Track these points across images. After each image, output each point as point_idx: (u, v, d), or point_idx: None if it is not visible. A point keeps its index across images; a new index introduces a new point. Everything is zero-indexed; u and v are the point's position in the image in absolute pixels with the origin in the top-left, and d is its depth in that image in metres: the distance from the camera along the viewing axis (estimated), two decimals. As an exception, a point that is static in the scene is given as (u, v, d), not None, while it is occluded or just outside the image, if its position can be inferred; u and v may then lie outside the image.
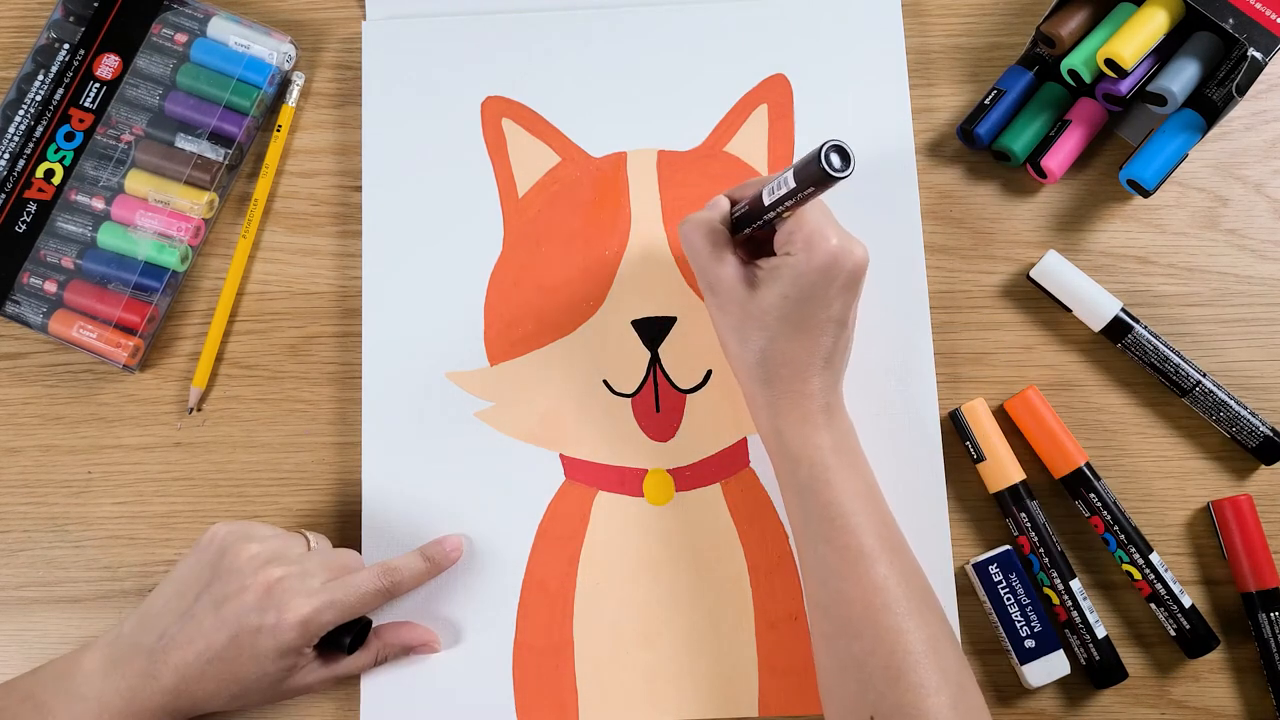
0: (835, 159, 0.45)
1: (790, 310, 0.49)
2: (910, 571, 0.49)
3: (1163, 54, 0.56)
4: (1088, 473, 0.56)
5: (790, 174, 0.48)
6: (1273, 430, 0.56)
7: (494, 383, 0.58)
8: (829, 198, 0.49)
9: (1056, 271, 0.57)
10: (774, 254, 0.51)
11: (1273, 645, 0.55)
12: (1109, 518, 0.55)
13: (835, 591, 0.48)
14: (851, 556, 0.48)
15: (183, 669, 0.49)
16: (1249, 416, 0.56)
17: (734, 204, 0.53)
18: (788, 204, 0.49)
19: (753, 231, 0.52)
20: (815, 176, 0.46)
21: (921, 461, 0.57)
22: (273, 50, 0.61)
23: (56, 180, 0.59)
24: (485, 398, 0.58)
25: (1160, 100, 0.56)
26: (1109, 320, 0.57)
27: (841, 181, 0.46)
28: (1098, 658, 0.54)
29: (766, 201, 0.49)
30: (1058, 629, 0.56)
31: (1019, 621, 0.54)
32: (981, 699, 0.48)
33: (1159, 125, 0.57)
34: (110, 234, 0.59)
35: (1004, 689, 0.56)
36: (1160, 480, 0.58)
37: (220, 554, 0.51)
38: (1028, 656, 0.54)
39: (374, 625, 0.54)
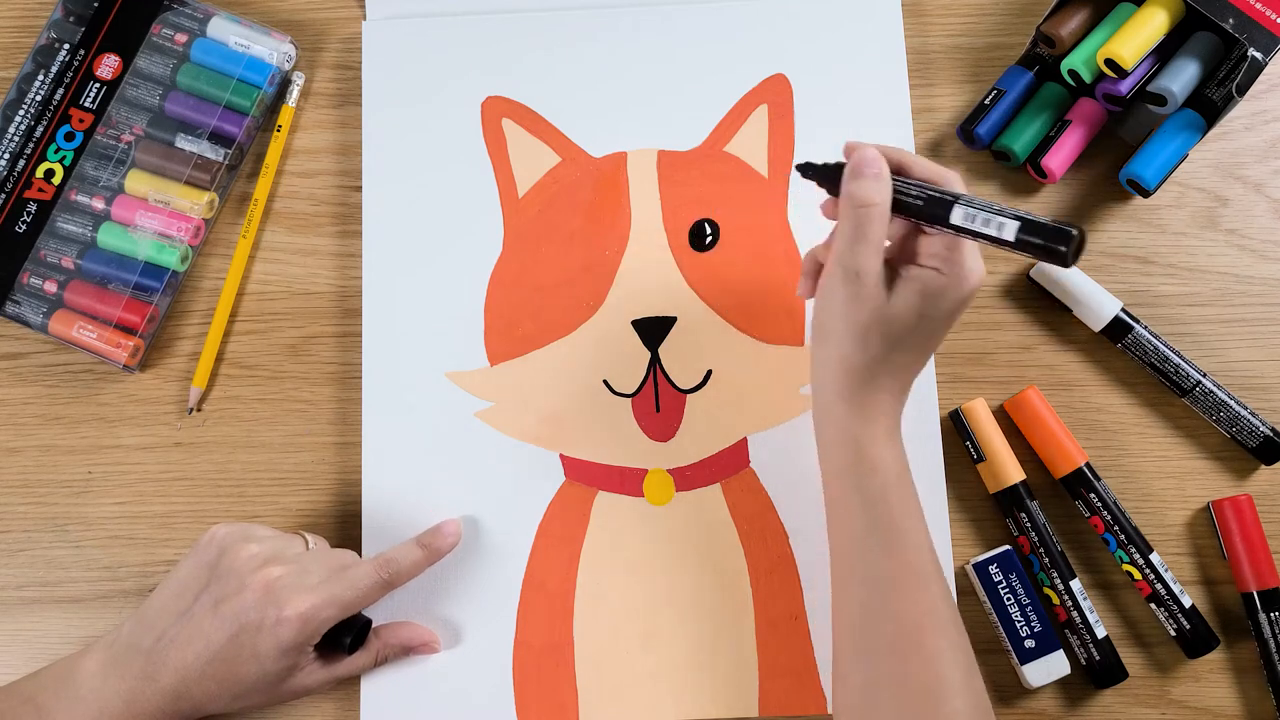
0: (1072, 257, 0.43)
1: (922, 328, 0.48)
2: (950, 597, 0.49)
3: (1163, 54, 0.56)
4: (1088, 473, 0.56)
5: (1013, 229, 0.44)
6: (1273, 430, 0.56)
7: (494, 383, 0.58)
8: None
9: (1056, 271, 0.57)
10: (906, 253, 0.49)
11: (1273, 645, 0.55)
12: (1109, 518, 0.55)
13: (885, 606, 0.48)
14: (911, 573, 0.48)
15: (182, 670, 0.48)
16: (1249, 416, 0.56)
17: (894, 172, 0.48)
18: (978, 238, 0.46)
19: (903, 219, 0.49)
20: (1039, 252, 0.44)
21: (921, 461, 0.56)
22: (273, 50, 0.61)
23: (56, 180, 0.59)
24: (485, 398, 0.58)
25: (1160, 100, 0.56)
26: (1109, 320, 0.57)
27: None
28: (1098, 658, 0.54)
29: (956, 222, 0.46)
30: (1058, 629, 0.56)
31: (1019, 621, 0.54)
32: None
33: (1159, 125, 0.57)
34: (110, 234, 0.59)
35: (1004, 689, 0.56)
36: (1160, 480, 0.58)
37: (219, 555, 0.51)
38: (1028, 656, 0.54)
39: (374, 625, 0.54)
